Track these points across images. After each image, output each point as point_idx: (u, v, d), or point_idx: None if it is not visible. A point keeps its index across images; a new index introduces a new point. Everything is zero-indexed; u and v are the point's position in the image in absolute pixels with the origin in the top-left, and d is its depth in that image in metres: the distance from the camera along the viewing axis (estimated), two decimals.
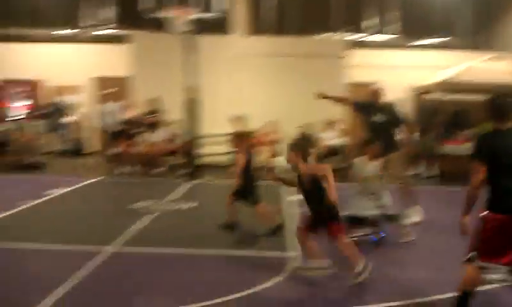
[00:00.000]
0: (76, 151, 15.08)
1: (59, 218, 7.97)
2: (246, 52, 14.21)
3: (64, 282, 5.02)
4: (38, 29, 17.56)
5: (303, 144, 5.42)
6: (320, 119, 12.70)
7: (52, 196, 9.40)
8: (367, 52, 15.88)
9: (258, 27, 16.28)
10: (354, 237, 5.92)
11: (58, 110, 15.23)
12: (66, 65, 16.23)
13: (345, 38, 15.96)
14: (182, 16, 11.48)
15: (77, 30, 17.55)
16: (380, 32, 17.10)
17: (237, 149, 7.05)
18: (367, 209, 6.38)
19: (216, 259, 5.97)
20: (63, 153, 14.92)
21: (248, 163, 6.85)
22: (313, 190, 5.16)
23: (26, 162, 12.69)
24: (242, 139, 7.04)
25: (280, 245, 6.38)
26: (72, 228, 7.34)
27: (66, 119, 15.34)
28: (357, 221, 6.35)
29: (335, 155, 12.17)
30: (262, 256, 6.09)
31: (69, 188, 10.12)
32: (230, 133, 7.84)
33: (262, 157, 12.52)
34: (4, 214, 7.83)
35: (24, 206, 8.41)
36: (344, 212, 5.80)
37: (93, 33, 17.46)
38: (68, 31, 17.59)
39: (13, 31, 17.70)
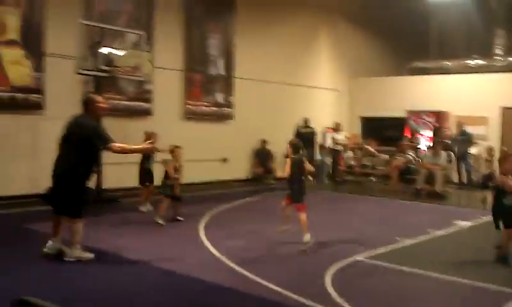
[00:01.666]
0: (481, 184, 14.59)
1: (468, 251, 7.78)
2: None
3: None
4: (449, 60, 17.98)
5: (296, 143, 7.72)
6: None
7: (459, 227, 9.30)
8: None
9: None
10: None
11: (463, 141, 15.07)
12: (473, 95, 16.03)
13: None
14: None
15: (489, 60, 17.18)
16: None
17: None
18: None
19: None
20: (467, 185, 14.67)
21: None
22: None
23: (429, 190, 12.99)
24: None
25: None
26: (480, 263, 7.04)
27: (471, 151, 15.04)
28: None
29: None
30: None
31: (475, 221, 9.83)
32: None
33: None
34: (415, 240, 8.11)
35: (433, 234, 8.55)
36: None
37: (504, 63, 16.79)
38: (480, 61, 17.39)
39: (423, 63, 18.61)
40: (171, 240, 7.73)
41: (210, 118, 14.08)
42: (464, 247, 8.02)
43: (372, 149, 16.18)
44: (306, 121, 16.26)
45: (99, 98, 6.78)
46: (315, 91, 17.46)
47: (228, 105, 14.51)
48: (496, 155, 13.54)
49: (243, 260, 6.54)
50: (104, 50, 10.47)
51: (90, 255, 6.44)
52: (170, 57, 13.08)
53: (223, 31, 14.30)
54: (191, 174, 12.38)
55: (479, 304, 5.36)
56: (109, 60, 10.53)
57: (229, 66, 14.47)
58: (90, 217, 8.73)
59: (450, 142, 15.16)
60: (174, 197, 8.92)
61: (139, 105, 12.30)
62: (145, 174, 9.74)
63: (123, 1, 11.90)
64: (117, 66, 10.75)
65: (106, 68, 10.44)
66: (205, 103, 13.96)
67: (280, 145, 15.63)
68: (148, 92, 12.44)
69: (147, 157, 9.63)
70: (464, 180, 14.96)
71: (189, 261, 6.53)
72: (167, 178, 8.87)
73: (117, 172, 11.56)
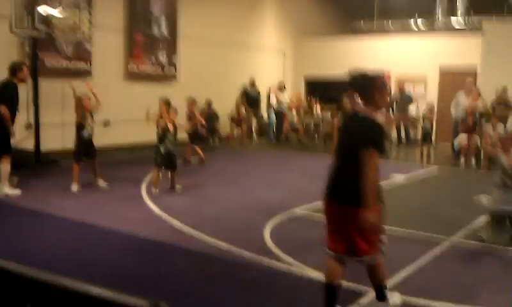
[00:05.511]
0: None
1: (401, 203, 8.16)
2: None
3: (406, 266, 5.11)
4: (391, 21, 18.34)
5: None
6: None
7: (394, 180, 9.70)
8: None
9: None
10: None
11: (403, 101, 15.53)
12: (414, 56, 16.50)
13: None
14: None
15: (430, 21, 17.67)
16: None
17: None
18: None
19: None
20: (406, 142, 15.33)
21: None
22: None
23: None
24: None
25: None
26: (412, 214, 7.45)
27: (410, 110, 15.56)
28: None
29: None
30: None
31: (410, 175, 10.31)
32: None
33: None
34: None
35: None
36: None
37: (443, 24, 17.32)
38: (418, 23, 17.86)
39: (366, 24, 18.91)
40: (114, 201, 7.74)
41: (153, 79, 13.91)
42: (399, 199, 8.41)
43: (319, 110, 16.47)
44: (252, 81, 16.31)
45: (26, 68, 7.71)
46: (260, 51, 17.47)
47: (172, 65, 14.36)
48: (435, 112, 14.16)
49: (186, 218, 6.65)
50: (41, 9, 10.11)
51: (17, 191, 7.43)
52: (110, 16, 12.75)
53: None
54: (133, 135, 12.33)
55: (411, 250, 5.67)
56: (46, 19, 10.19)
57: (172, 25, 14.26)
58: (30, 179, 8.63)
59: (393, 102, 15.61)
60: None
61: (78, 66, 12.01)
62: (158, 156, 8.27)
63: None
64: (55, 26, 10.44)
65: (43, 27, 10.11)
66: (148, 64, 13.76)
67: (225, 106, 15.68)
68: (88, 52, 12.15)
69: (160, 137, 8.22)
70: (404, 136, 15.60)
71: (131, 220, 6.59)
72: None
73: (57, 133, 11.33)
